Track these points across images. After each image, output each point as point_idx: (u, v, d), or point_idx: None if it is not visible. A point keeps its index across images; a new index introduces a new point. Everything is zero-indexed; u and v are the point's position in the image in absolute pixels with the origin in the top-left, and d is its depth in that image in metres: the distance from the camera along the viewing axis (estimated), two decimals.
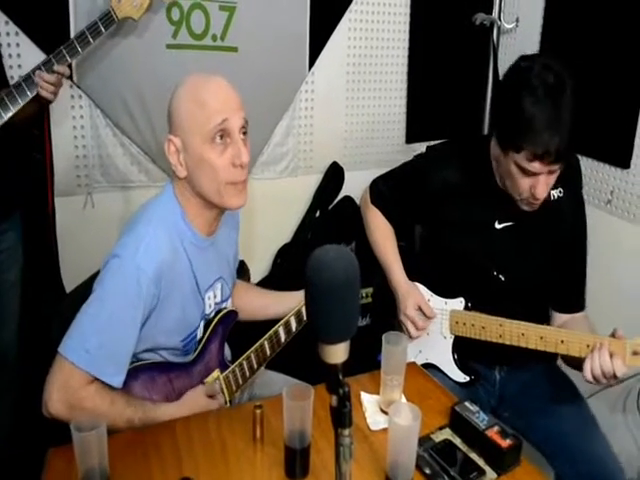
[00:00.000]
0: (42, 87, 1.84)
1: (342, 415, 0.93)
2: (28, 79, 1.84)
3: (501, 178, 1.70)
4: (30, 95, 1.84)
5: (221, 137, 1.39)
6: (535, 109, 1.50)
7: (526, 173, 1.58)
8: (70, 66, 1.97)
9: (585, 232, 1.86)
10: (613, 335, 1.57)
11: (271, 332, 1.70)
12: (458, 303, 1.83)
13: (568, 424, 1.74)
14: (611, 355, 1.53)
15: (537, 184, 1.58)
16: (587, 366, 1.55)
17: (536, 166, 1.54)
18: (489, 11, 2.76)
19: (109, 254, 1.38)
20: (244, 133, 1.44)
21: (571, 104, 1.52)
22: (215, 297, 1.62)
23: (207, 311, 1.59)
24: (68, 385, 1.32)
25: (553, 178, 1.60)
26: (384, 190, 1.98)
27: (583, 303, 1.87)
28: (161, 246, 1.40)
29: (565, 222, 1.78)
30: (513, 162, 1.58)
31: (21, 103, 1.83)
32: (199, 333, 1.58)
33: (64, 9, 2.10)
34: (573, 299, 1.87)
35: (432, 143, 1.98)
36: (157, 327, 1.43)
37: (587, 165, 2.40)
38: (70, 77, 2.12)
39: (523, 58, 1.62)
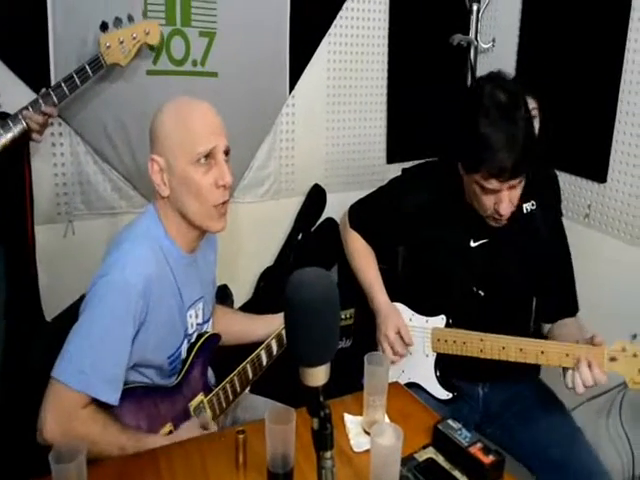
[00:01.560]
0: (28, 123, 1.86)
1: (323, 438, 0.94)
2: (15, 118, 1.86)
3: (468, 197, 1.73)
4: (15, 131, 1.86)
5: (205, 157, 1.43)
6: (488, 130, 1.54)
7: (487, 191, 1.61)
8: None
9: (565, 240, 1.88)
10: (592, 341, 1.61)
11: (253, 355, 1.71)
12: (439, 320, 1.84)
13: (553, 435, 1.75)
14: (589, 365, 1.56)
15: (500, 201, 1.62)
16: (577, 380, 1.57)
17: (494, 183, 1.58)
18: (466, 32, 2.80)
19: (95, 275, 1.39)
20: (226, 154, 1.47)
21: (526, 119, 1.55)
22: (197, 317, 1.62)
23: (189, 331, 1.59)
24: (62, 408, 1.32)
25: (516, 193, 1.63)
26: (362, 215, 2.01)
27: (576, 307, 1.89)
28: (147, 261, 1.42)
29: (540, 234, 1.80)
30: (474, 181, 1.63)
31: (7, 138, 1.85)
32: (183, 353, 1.58)
33: (43, 40, 2.10)
34: (565, 305, 1.88)
35: (413, 163, 2.01)
36: (146, 342, 1.44)
37: (565, 180, 2.43)
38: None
39: (478, 80, 1.65)
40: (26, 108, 1.87)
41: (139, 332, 1.41)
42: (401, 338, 1.81)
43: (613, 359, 1.56)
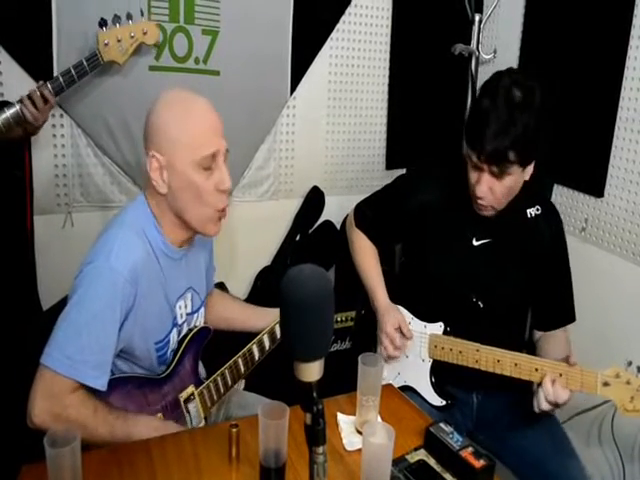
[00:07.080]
0: (22, 109, 1.90)
1: (316, 433, 0.94)
2: (11, 105, 1.91)
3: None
4: (8, 113, 1.89)
5: (208, 160, 1.42)
6: (489, 108, 1.56)
7: (472, 165, 1.64)
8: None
9: (566, 248, 1.88)
10: (567, 361, 1.62)
11: (245, 350, 1.72)
12: (437, 327, 1.84)
13: (543, 447, 1.76)
14: (553, 382, 1.60)
15: (479, 180, 1.64)
16: (540, 394, 1.61)
17: (474, 159, 1.60)
18: (468, 42, 2.81)
19: (83, 262, 1.40)
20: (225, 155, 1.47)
21: (529, 118, 1.56)
22: (186, 307, 1.62)
23: (179, 321, 1.60)
24: (51, 394, 1.32)
25: (501, 186, 1.64)
26: (367, 213, 2.02)
27: (573, 316, 1.89)
28: (133, 247, 1.42)
29: (542, 240, 1.81)
30: (467, 154, 1.64)
31: None
32: (172, 341, 1.58)
33: (47, 30, 2.12)
34: (562, 314, 1.89)
35: None
36: (134, 328, 1.44)
37: (562, 193, 2.44)
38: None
39: (499, 72, 1.67)
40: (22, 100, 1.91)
41: (127, 318, 1.41)
42: (401, 333, 1.82)
43: (606, 384, 1.57)
